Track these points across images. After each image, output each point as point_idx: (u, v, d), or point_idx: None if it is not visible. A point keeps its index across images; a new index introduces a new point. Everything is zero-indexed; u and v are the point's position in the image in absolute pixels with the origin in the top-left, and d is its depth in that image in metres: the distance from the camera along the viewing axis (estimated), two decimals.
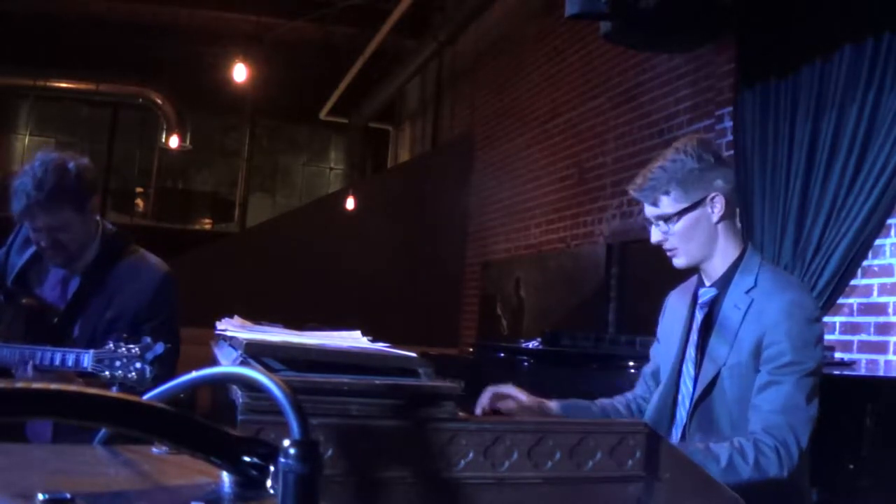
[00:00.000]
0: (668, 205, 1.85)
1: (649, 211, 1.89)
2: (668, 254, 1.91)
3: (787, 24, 3.65)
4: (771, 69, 3.72)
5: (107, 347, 1.95)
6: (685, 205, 1.84)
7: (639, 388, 2.11)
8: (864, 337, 3.35)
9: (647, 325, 4.20)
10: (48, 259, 2.26)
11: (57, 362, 2.01)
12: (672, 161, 1.84)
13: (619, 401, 2.09)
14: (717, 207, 1.85)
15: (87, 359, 1.97)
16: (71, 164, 2.19)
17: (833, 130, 3.35)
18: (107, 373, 1.93)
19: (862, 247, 3.27)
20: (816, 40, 3.48)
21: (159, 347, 1.94)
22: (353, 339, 1.33)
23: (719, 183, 1.85)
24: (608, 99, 5.52)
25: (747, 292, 1.82)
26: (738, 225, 1.94)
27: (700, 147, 1.86)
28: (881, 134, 3.15)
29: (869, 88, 3.21)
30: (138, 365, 1.92)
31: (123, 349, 1.94)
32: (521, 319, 6.47)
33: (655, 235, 1.90)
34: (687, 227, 1.85)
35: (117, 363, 1.93)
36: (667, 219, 1.85)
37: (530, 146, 6.70)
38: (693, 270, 1.97)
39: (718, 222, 1.86)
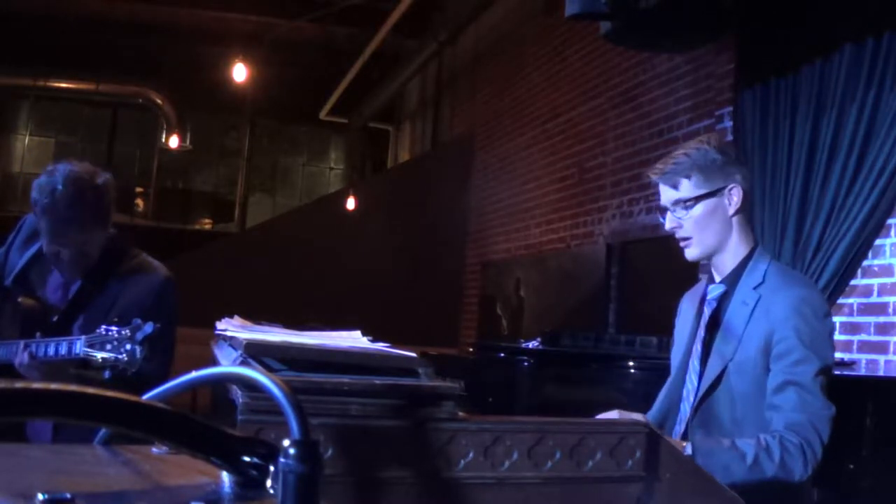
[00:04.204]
0: (687, 189, 1.87)
1: (667, 196, 1.90)
2: (682, 244, 1.91)
3: (787, 24, 3.65)
4: (771, 69, 3.72)
5: (98, 332, 1.96)
6: (704, 191, 1.86)
7: None
8: (864, 337, 3.35)
9: (647, 325, 4.21)
10: (62, 270, 2.25)
11: (51, 353, 2.02)
12: (696, 149, 1.88)
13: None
14: (734, 199, 1.87)
15: (79, 345, 1.97)
16: (100, 181, 2.18)
17: (833, 130, 3.35)
18: (98, 356, 1.93)
19: (862, 247, 3.27)
20: (816, 40, 3.48)
21: (148, 327, 1.93)
22: (353, 339, 1.33)
23: (738, 177, 1.87)
24: (608, 99, 5.52)
25: (755, 288, 1.82)
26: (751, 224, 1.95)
27: (723, 143, 1.93)
28: (881, 134, 3.15)
29: (869, 88, 3.20)
30: (129, 346, 1.92)
31: (114, 331, 1.94)
32: (521, 319, 6.47)
33: (670, 222, 1.91)
34: (703, 213, 1.86)
35: (108, 345, 1.93)
36: (684, 202, 1.87)
37: (530, 146, 6.70)
38: (695, 270, 1.97)
39: (734, 215, 1.88)
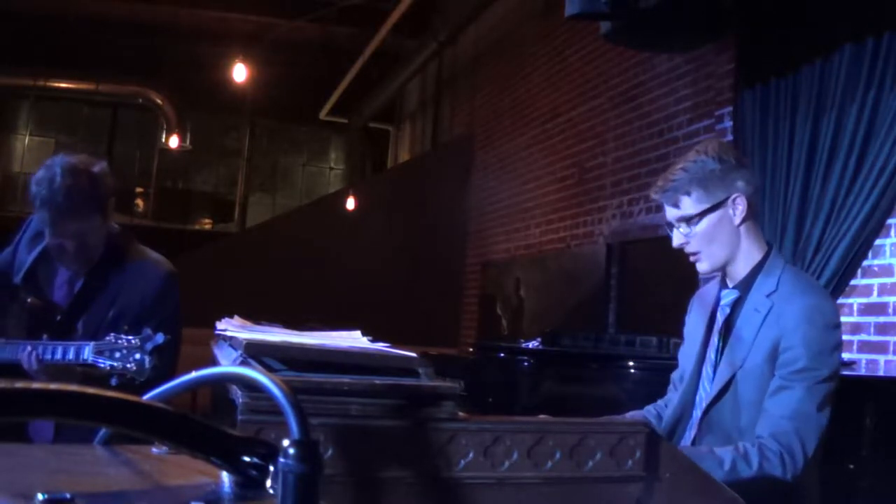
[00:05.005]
0: (689, 206, 1.84)
1: (671, 213, 1.88)
2: (692, 259, 1.89)
3: (787, 24, 3.65)
4: (771, 69, 3.72)
5: (107, 339, 1.96)
6: (707, 205, 1.82)
7: (669, 394, 2.09)
8: (864, 337, 3.35)
9: (647, 325, 4.21)
10: (67, 264, 2.25)
11: (58, 356, 2.02)
12: (693, 162, 1.83)
13: (648, 411, 2.06)
14: (738, 208, 1.83)
15: (88, 350, 1.97)
16: (96, 169, 2.19)
17: (833, 130, 3.35)
18: (107, 364, 1.93)
19: (862, 247, 3.27)
20: (816, 40, 3.47)
21: (159, 338, 1.94)
22: (353, 339, 1.33)
23: (740, 184, 1.83)
24: (608, 99, 5.52)
25: (768, 296, 1.80)
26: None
27: (720, 149, 1.87)
28: (881, 134, 3.15)
29: (869, 88, 3.20)
30: (138, 356, 1.92)
31: (124, 340, 1.94)
32: (521, 319, 6.47)
33: (677, 239, 1.88)
34: (709, 227, 1.83)
35: (117, 354, 1.93)
36: (688, 220, 1.84)
37: (530, 146, 6.70)
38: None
39: (741, 224, 1.84)
